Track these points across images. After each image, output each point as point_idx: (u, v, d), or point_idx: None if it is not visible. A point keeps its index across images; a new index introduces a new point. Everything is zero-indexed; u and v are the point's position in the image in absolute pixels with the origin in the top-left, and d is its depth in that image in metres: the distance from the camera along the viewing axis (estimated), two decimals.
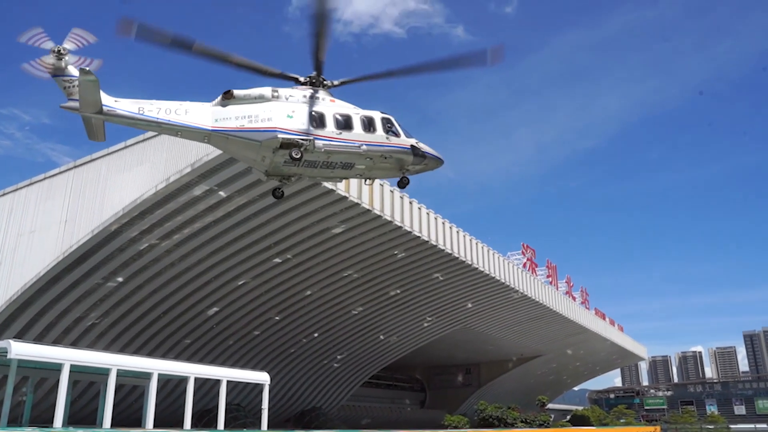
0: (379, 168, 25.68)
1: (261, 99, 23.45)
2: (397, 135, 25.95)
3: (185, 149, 36.89)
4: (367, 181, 27.26)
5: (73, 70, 20.27)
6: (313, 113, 23.76)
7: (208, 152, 35.63)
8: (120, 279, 43.11)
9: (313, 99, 24.16)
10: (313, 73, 24.11)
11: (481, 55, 23.49)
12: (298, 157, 22.56)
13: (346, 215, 44.44)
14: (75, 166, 43.08)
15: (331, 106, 24.48)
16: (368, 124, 25.19)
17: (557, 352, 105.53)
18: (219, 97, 23.34)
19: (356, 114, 25.11)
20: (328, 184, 40.08)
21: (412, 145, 26.14)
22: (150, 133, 39.21)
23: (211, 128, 22.57)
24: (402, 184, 26.34)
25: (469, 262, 58.04)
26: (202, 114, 22.82)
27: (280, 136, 22.61)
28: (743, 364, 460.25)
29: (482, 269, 60.49)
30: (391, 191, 47.38)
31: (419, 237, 50.38)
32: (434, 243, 52.40)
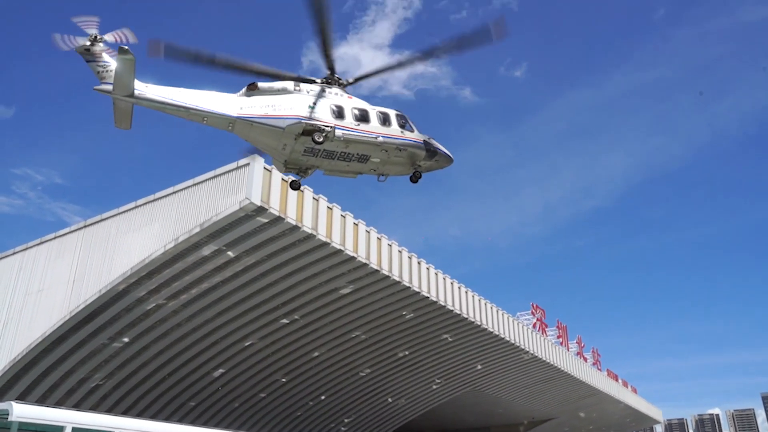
0: (393, 162, 26.69)
1: (283, 91, 24.82)
2: (411, 130, 27.19)
3: (195, 209, 37.13)
4: (381, 178, 27.78)
5: (107, 57, 21.56)
6: (333, 106, 25.01)
7: (218, 212, 35.81)
8: (126, 339, 42.68)
9: (331, 94, 25.49)
10: (328, 73, 25.31)
11: (485, 31, 23.76)
12: (320, 140, 23.86)
13: (354, 275, 44.24)
14: (85, 226, 43.31)
15: (349, 101, 25.77)
16: (384, 119, 26.42)
17: (570, 415, 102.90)
18: (243, 89, 24.63)
19: (372, 109, 26.36)
20: (336, 245, 40.13)
21: (425, 140, 27.34)
22: (160, 193, 39.65)
23: (236, 115, 23.93)
24: (414, 179, 27.44)
25: (479, 323, 57.32)
26: (228, 102, 24.19)
27: (303, 121, 23.88)
28: (763, 427, 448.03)
29: (492, 330, 59.67)
30: (399, 251, 47.28)
31: (428, 297, 49.97)
32: (443, 303, 51.92)
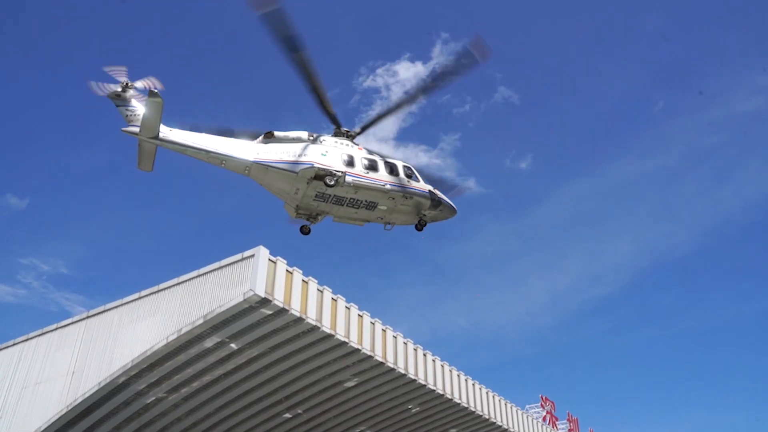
0: (400, 211, 28.24)
1: (298, 140, 26.45)
2: (417, 180, 28.91)
3: (199, 300, 36.86)
4: (387, 226, 29.44)
5: (135, 102, 23.50)
6: (344, 154, 26.62)
7: (221, 303, 35.51)
8: None
9: (342, 144, 27.08)
10: (335, 128, 27.16)
11: (468, 55, 25.03)
12: (332, 184, 25.29)
13: (359, 368, 43.33)
14: (87, 317, 42.91)
15: (359, 152, 27.35)
16: (392, 169, 28.12)
17: None
18: (261, 137, 26.24)
19: (381, 159, 28.09)
20: (341, 337, 39.54)
21: (430, 191, 29.10)
22: (165, 284, 39.49)
23: (253, 160, 25.43)
24: (420, 227, 29.13)
25: (487, 416, 55.64)
26: (246, 148, 25.69)
27: (316, 166, 25.32)
28: None
29: (500, 424, 57.84)
30: (405, 343, 46.52)
31: (434, 390, 48.74)
32: (450, 396, 50.58)
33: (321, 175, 25.65)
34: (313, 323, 37.87)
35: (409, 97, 26.99)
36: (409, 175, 28.90)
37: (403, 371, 45.07)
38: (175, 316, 37.56)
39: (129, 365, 37.53)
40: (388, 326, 44.85)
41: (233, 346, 38.03)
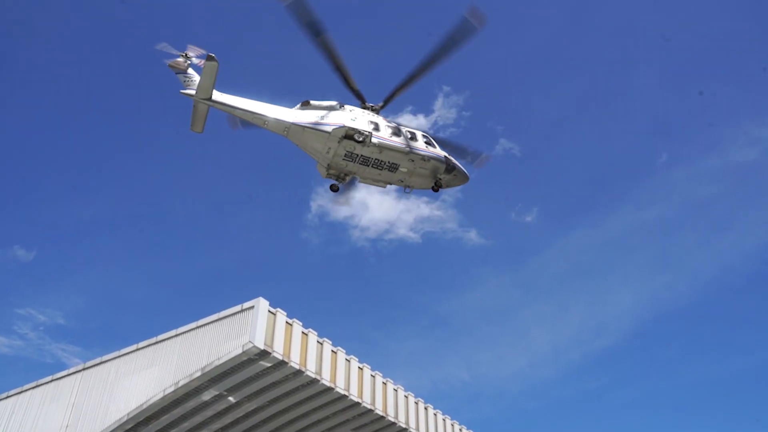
0: (418, 174, 31.12)
1: (331, 108, 29.81)
2: (434, 147, 31.80)
3: (197, 352, 36.38)
4: (407, 189, 32.35)
5: (192, 71, 27.43)
6: (370, 121, 29.84)
7: (220, 355, 35.04)
8: None
9: (368, 113, 30.27)
10: (379, 104, 30.30)
11: (466, 23, 27.53)
12: (360, 140, 28.36)
13: (359, 422, 42.50)
14: (83, 369, 42.30)
15: (383, 120, 30.50)
16: (412, 135, 31.11)
17: None
18: (298, 105, 29.63)
19: (403, 127, 31.20)
20: (341, 390, 38.93)
21: (445, 156, 31.87)
22: (163, 336, 39.06)
23: (291, 121, 28.76)
24: (436, 188, 31.96)
25: None
26: (285, 112, 29.12)
27: (347, 126, 28.51)
28: None
29: None
30: (406, 396, 45.75)
31: None
32: None
33: (350, 135, 28.66)
34: (313, 376, 37.31)
35: (422, 67, 29.32)
36: (428, 142, 31.70)
37: (404, 425, 44.18)
38: (173, 369, 37.01)
39: (125, 419, 36.81)
40: (388, 379, 44.20)
41: (231, 399, 37.38)
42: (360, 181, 32.07)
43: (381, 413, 42.21)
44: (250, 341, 33.96)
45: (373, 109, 30.80)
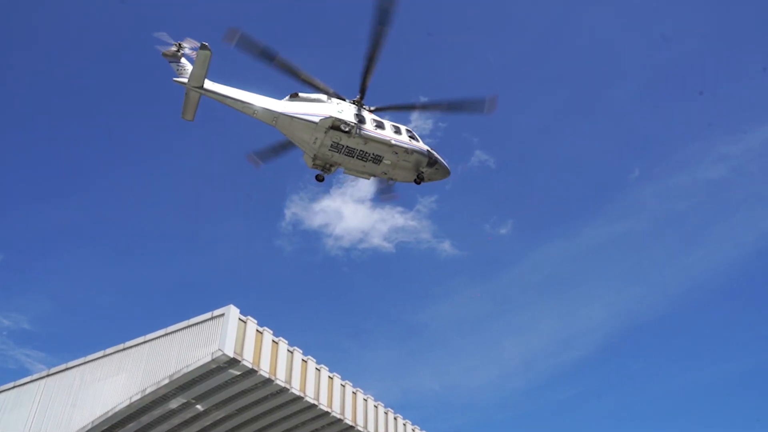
0: (401, 167, 31.98)
1: (318, 100, 30.61)
2: (417, 141, 32.63)
3: (165, 359, 35.94)
4: (390, 182, 33.13)
5: (185, 60, 28.37)
6: (356, 114, 30.68)
7: (188, 363, 34.66)
8: None
9: (355, 107, 31.17)
10: (358, 97, 31.03)
11: (480, 103, 30.37)
12: (346, 130, 29.31)
13: (329, 431, 42.28)
14: (48, 375, 41.44)
15: (369, 114, 31.38)
16: (396, 129, 32.00)
17: None
18: (287, 97, 30.33)
19: (388, 122, 31.99)
20: (310, 399, 38.75)
21: (428, 150, 32.75)
22: (130, 342, 38.52)
23: (280, 111, 29.65)
24: (418, 180, 32.70)
25: None
26: (275, 103, 29.94)
27: (333, 117, 29.35)
28: None
29: None
30: (375, 406, 45.67)
31: None
32: None
33: (337, 126, 29.54)
34: (282, 385, 37.08)
35: (423, 106, 32.03)
36: (411, 136, 32.49)
37: None
38: (140, 376, 36.49)
39: (89, 427, 36.15)
40: (358, 388, 44.10)
41: (199, 407, 36.96)
42: (345, 173, 32.73)
43: (350, 423, 42.06)
44: (219, 349, 33.66)
45: (356, 104, 31.47)
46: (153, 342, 37.57)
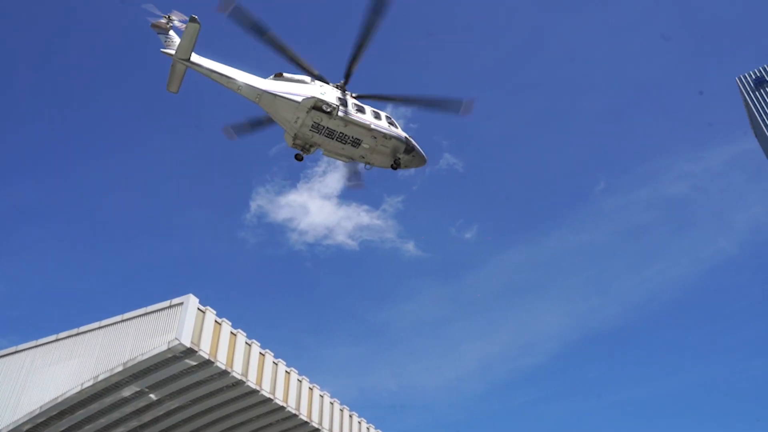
0: (379, 151, 32.71)
1: (302, 81, 31.28)
2: (396, 128, 33.43)
3: (120, 346, 35.36)
4: (367, 166, 33.73)
5: (173, 33, 29.13)
6: (338, 97, 31.32)
7: (144, 351, 34.16)
8: None
9: (338, 91, 31.92)
10: (341, 81, 31.66)
11: (457, 104, 31.31)
12: (328, 110, 30.15)
13: (282, 426, 42.10)
14: None
15: (351, 99, 32.14)
16: (376, 115, 32.82)
17: None
18: (272, 76, 31.08)
19: (368, 107, 32.73)
20: (266, 393, 38.54)
21: (406, 137, 33.58)
22: (84, 327, 37.81)
23: (264, 89, 30.19)
24: (395, 166, 33.73)
25: None
26: (260, 80, 30.59)
27: (316, 97, 30.10)
28: None
29: None
30: (332, 403, 45.61)
31: None
32: None
33: (319, 106, 30.17)
34: (239, 377, 36.79)
35: (403, 99, 32.46)
36: (390, 122, 33.25)
37: None
38: (93, 362, 35.84)
39: (37, 412, 35.34)
40: (315, 384, 43.98)
41: (152, 396, 36.43)
42: (324, 154, 33.28)
43: (305, 419, 41.95)
44: (176, 338, 33.26)
45: (339, 88, 32.14)
46: (108, 328, 36.93)
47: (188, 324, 33.91)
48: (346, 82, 32.04)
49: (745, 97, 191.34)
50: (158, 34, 29.28)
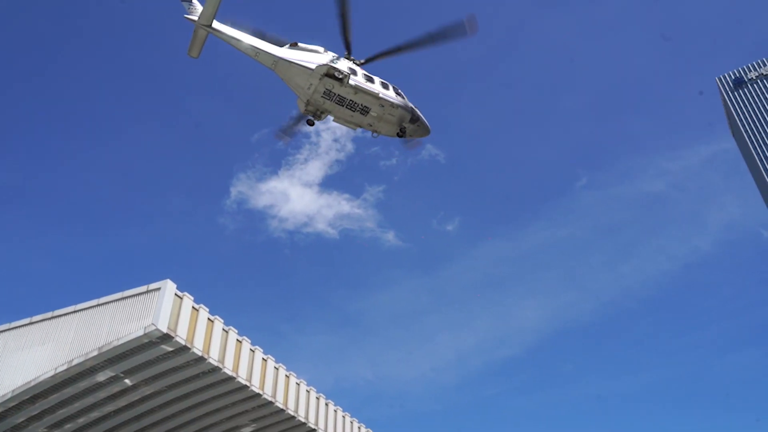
0: (386, 120, 34.35)
1: (315, 51, 33.00)
2: (402, 98, 34.94)
3: (95, 331, 35.07)
4: (374, 135, 35.33)
5: (195, 1, 30.33)
6: (349, 66, 32.93)
7: (120, 336, 33.92)
8: None
9: (349, 61, 33.51)
10: (345, 53, 33.31)
11: (460, 27, 31.62)
12: (339, 77, 31.86)
13: (258, 414, 42.11)
14: None
15: (360, 69, 33.75)
16: (385, 85, 34.33)
17: None
18: (288, 45, 32.78)
19: (377, 78, 34.29)
20: (242, 380, 38.50)
21: (411, 108, 35.13)
22: (60, 311, 37.44)
23: (280, 55, 31.99)
24: (401, 134, 35.27)
25: None
26: (276, 48, 32.28)
27: (328, 65, 31.76)
28: None
29: None
30: (308, 391, 45.68)
31: None
32: None
33: (331, 74, 31.72)
34: (215, 364, 36.69)
35: (408, 46, 32.83)
36: (398, 93, 34.76)
37: (303, 419, 44.09)
38: (68, 346, 35.51)
39: (8, 396, 34.98)
40: (292, 372, 44.00)
41: (127, 381, 36.21)
42: (334, 121, 34.94)
43: (281, 406, 41.97)
44: (153, 323, 33.06)
45: (347, 59, 33.73)
46: (83, 312, 36.61)
47: (165, 309, 33.71)
48: (349, 53, 33.64)
49: (724, 97, 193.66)
50: (182, 1, 30.77)
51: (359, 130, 35.69)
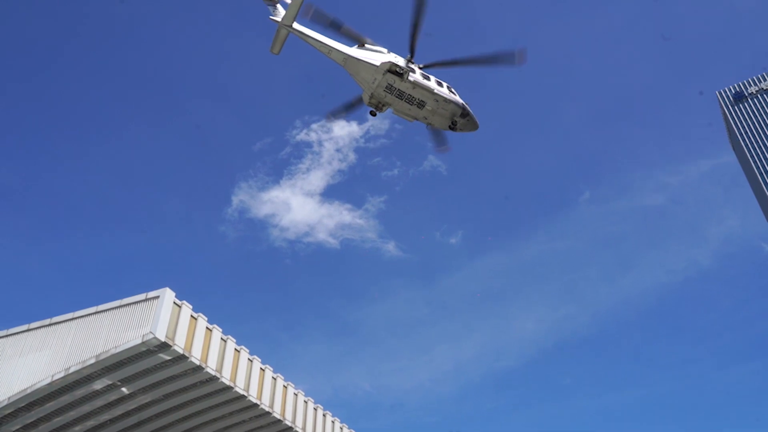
0: (440, 114, 38.08)
1: (380, 51, 37.02)
2: (455, 95, 38.42)
3: (93, 338, 34.90)
4: (428, 127, 39.22)
5: (280, 6, 34.81)
6: (408, 65, 36.58)
7: (117, 344, 33.75)
8: None
9: (410, 63, 36.93)
10: (408, 56, 36.65)
11: (511, 55, 35.47)
12: (401, 72, 35.96)
13: (255, 424, 41.85)
14: None
15: (418, 69, 37.31)
16: (439, 83, 38.01)
17: None
18: (356, 45, 36.76)
19: (432, 77, 37.96)
20: (240, 390, 38.31)
21: (463, 104, 38.62)
22: (58, 318, 37.30)
23: (349, 54, 36.07)
24: (452, 127, 38.84)
25: None
26: (347, 47, 36.37)
27: (391, 61, 35.84)
28: None
29: None
30: (305, 401, 45.45)
31: None
32: None
33: (393, 70, 35.64)
34: (213, 373, 36.49)
35: (462, 61, 36.45)
36: (451, 90, 38.24)
37: (300, 430, 43.81)
38: (65, 354, 35.33)
39: (4, 402, 34.76)
40: (289, 382, 43.78)
41: (124, 390, 35.99)
42: (394, 113, 38.40)
43: (278, 416, 41.74)
44: (151, 332, 32.91)
45: (408, 60, 36.86)
46: (82, 319, 36.45)
47: (163, 318, 33.57)
48: (412, 56, 36.62)
49: (724, 110, 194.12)
50: (267, 5, 34.98)
51: (414, 122, 39.30)
